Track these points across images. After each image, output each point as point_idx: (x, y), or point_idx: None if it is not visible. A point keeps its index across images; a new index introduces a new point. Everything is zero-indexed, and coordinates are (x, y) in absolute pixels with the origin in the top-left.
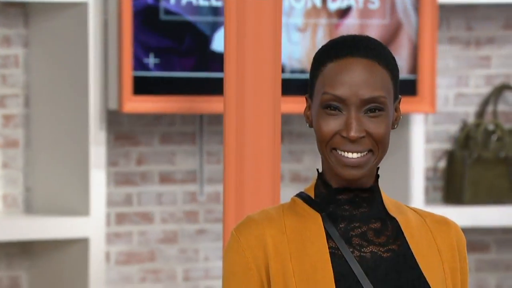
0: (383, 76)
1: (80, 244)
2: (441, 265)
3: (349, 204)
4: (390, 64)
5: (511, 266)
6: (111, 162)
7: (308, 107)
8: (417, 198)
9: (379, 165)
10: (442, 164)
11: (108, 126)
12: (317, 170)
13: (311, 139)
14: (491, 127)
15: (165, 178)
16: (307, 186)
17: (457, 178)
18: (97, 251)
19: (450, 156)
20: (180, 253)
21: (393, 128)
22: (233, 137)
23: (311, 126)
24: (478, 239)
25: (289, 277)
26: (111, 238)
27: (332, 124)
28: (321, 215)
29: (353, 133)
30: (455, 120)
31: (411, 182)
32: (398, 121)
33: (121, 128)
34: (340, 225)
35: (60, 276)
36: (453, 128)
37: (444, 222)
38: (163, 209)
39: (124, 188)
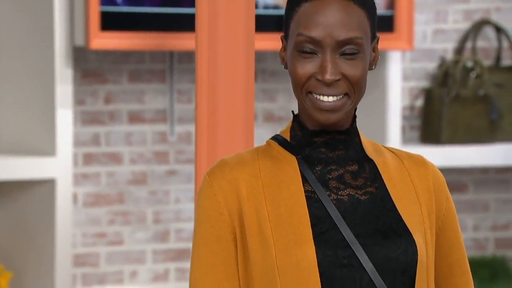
0: (359, 16)
1: (46, 185)
2: (419, 208)
3: (325, 146)
4: (366, 3)
5: (489, 206)
6: (78, 100)
7: (284, 48)
8: (394, 137)
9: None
10: (420, 102)
11: (74, 64)
12: (292, 112)
13: (285, 78)
14: (470, 64)
15: (134, 118)
16: (283, 129)
17: (435, 117)
18: (63, 192)
19: (428, 94)
20: (150, 194)
21: (370, 69)
22: (205, 75)
23: (286, 68)
24: (455, 179)
25: (264, 222)
26: (78, 179)
27: (307, 67)
28: (296, 158)
29: (328, 76)
30: (433, 57)
31: (387, 121)
32: (376, 62)
33: (88, 66)
34: (317, 168)
35: (26, 218)
36: (431, 66)
37: (422, 163)
38: (132, 150)
39: (91, 127)
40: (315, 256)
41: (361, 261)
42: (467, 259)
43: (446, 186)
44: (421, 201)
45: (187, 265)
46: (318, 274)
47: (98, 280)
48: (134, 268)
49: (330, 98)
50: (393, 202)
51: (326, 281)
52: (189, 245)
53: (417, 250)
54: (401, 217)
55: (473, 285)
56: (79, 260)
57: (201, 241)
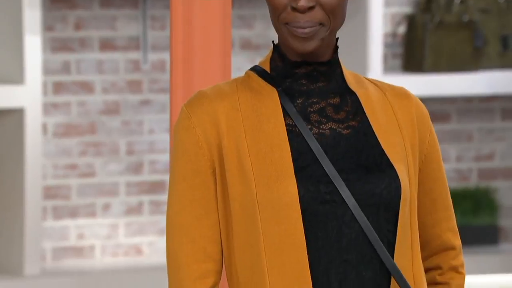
0: None
1: (15, 115)
2: (402, 142)
3: (306, 78)
4: None
5: (472, 136)
6: (47, 26)
7: None
8: (375, 66)
9: (337, 35)
10: (402, 29)
11: None
12: (273, 42)
13: (263, 3)
14: None
15: (105, 45)
16: (262, 59)
17: (418, 44)
18: (33, 122)
19: (411, 20)
20: (122, 125)
21: None
22: (180, 0)
23: None
24: (438, 109)
25: (244, 156)
26: (48, 108)
27: None
28: (277, 90)
29: (302, 2)
30: None
31: (368, 49)
32: None
33: None
34: (298, 101)
35: None
36: None
37: (405, 96)
38: (104, 78)
39: (61, 55)
40: (297, 191)
41: (343, 197)
42: (449, 194)
43: (429, 119)
44: (404, 135)
45: (161, 197)
46: (300, 210)
47: (69, 212)
48: (106, 200)
49: (306, 24)
50: (376, 136)
51: (308, 217)
52: (164, 177)
53: (400, 186)
54: (384, 151)
55: (455, 220)
56: (49, 193)
57: (179, 175)
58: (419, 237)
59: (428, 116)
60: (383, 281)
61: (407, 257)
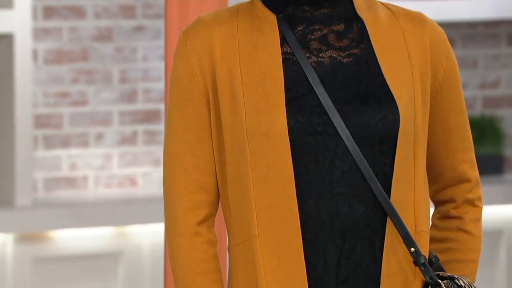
0: None
1: (4, 41)
2: (410, 71)
3: (309, 4)
4: None
5: (478, 63)
6: None
7: None
8: None
9: None
10: None
11: None
12: None
13: None
14: None
15: None
16: None
17: None
18: (23, 48)
19: None
20: (115, 52)
21: None
22: None
23: None
24: None
25: (237, 85)
26: (39, 34)
27: None
28: (277, 17)
29: None
30: None
31: None
32: None
33: None
34: (298, 28)
35: None
36: None
37: (420, 21)
38: (96, 3)
39: None
40: (286, 122)
41: (337, 128)
42: (468, 125)
43: (448, 44)
44: (413, 63)
45: (156, 127)
46: (289, 142)
47: (61, 142)
48: (99, 130)
49: None
50: (378, 65)
51: (298, 149)
52: (158, 106)
53: (399, 117)
54: (385, 81)
55: (473, 152)
56: (40, 121)
57: (173, 104)
58: (432, 168)
59: (446, 41)
60: (376, 215)
61: (407, 190)
